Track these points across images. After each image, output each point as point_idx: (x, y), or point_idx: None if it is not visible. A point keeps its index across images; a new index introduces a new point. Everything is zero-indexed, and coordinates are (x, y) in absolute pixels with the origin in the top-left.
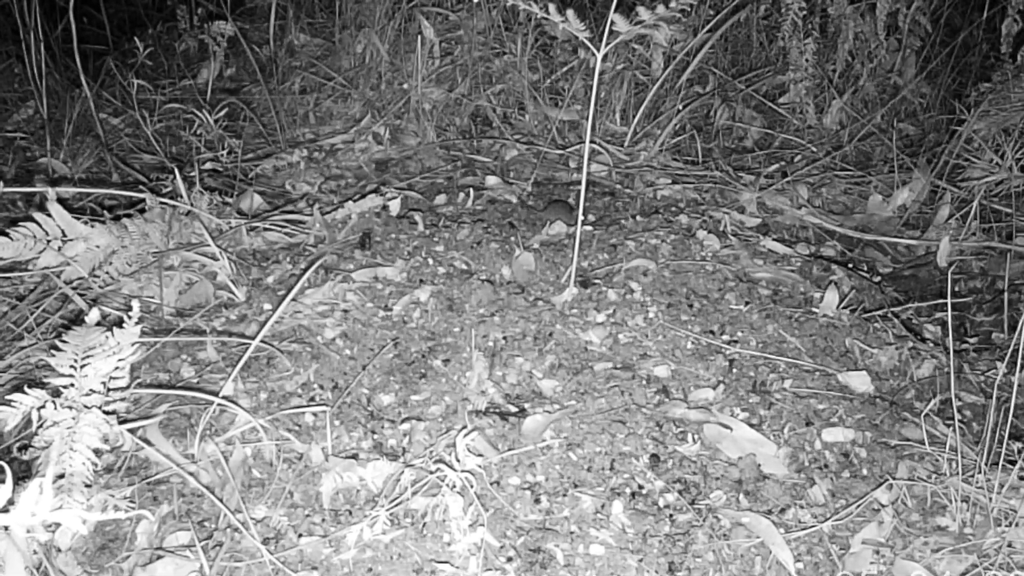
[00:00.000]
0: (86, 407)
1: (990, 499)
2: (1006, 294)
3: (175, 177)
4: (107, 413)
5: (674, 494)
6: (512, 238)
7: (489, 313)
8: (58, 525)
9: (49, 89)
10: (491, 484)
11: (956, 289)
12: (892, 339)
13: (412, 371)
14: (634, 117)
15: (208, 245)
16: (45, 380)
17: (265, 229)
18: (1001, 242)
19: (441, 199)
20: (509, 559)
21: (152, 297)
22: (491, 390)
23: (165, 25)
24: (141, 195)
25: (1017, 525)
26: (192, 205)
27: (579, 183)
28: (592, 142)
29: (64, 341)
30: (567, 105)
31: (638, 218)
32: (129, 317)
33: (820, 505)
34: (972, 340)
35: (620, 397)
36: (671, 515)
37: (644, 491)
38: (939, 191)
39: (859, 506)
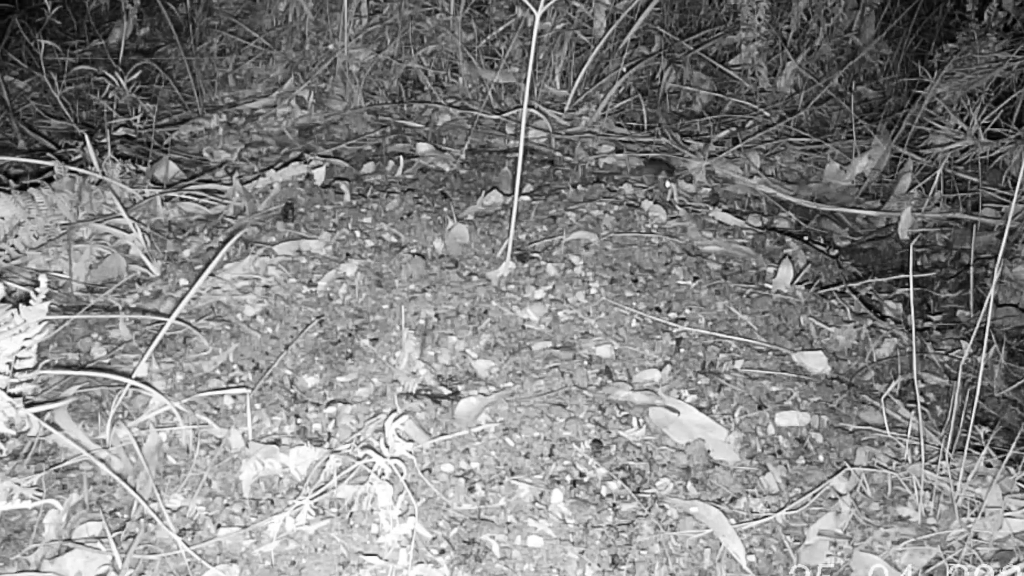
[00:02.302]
0: None
1: (954, 487)
2: (971, 269)
3: (85, 144)
4: (12, 396)
5: (618, 482)
6: (445, 209)
7: (420, 289)
8: None
9: None
10: (422, 471)
11: (918, 263)
12: (850, 317)
13: (338, 351)
14: (575, 80)
15: (120, 216)
16: None
17: (181, 199)
18: (966, 213)
19: (369, 167)
20: (442, 551)
21: (61, 272)
22: (422, 371)
23: None
24: (49, 163)
25: (983, 515)
26: (103, 174)
27: (516, 150)
28: (530, 107)
29: None
30: (503, 67)
31: (579, 188)
32: (36, 293)
33: (773, 494)
34: (935, 318)
35: (560, 379)
36: (614, 504)
37: (586, 479)
38: (900, 159)
39: (815, 495)
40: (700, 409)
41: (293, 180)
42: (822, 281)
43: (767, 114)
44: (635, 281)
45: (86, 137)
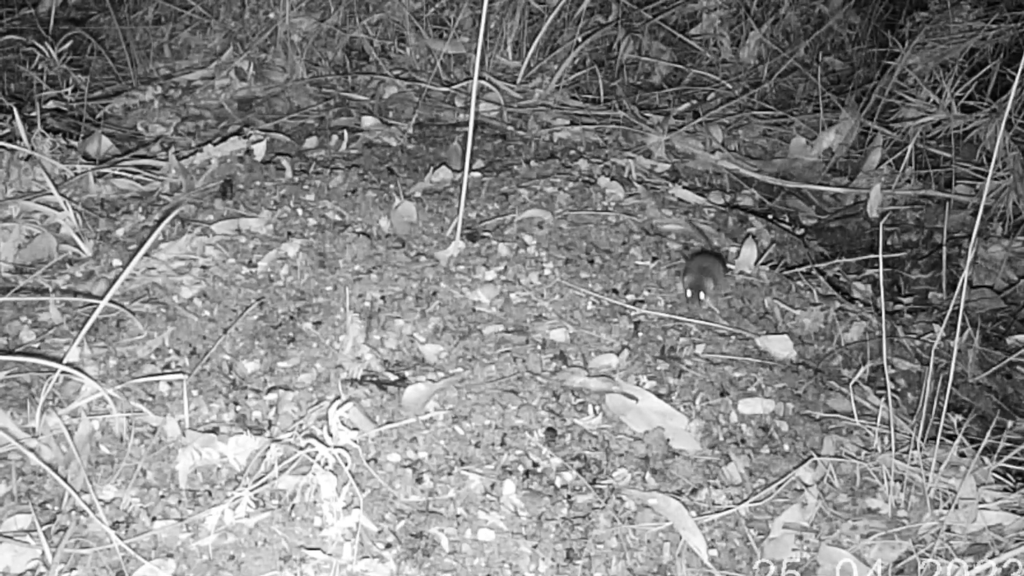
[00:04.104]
0: None
1: (926, 478)
2: (944, 248)
3: (13, 118)
4: None
5: (573, 473)
6: (391, 186)
7: (365, 270)
8: None
9: None
10: (368, 461)
11: (888, 243)
12: (817, 299)
13: (279, 335)
14: (528, 50)
15: (51, 194)
16: None
17: (115, 176)
18: (939, 190)
19: (311, 142)
20: (388, 545)
21: None
22: (368, 356)
23: None
24: None
25: (956, 507)
26: (33, 149)
27: (466, 124)
28: (481, 78)
29: None
30: (453, 37)
31: (532, 163)
32: None
33: (736, 485)
34: (906, 300)
35: (512, 364)
36: (569, 496)
37: (539, 469)
38: (869, 133)
39: (780, 486)
40: (659, 396)
41: (232, 155)
42: (787, 262)
43: (729, 86)
44: (591, 262)
45: (14, 110)
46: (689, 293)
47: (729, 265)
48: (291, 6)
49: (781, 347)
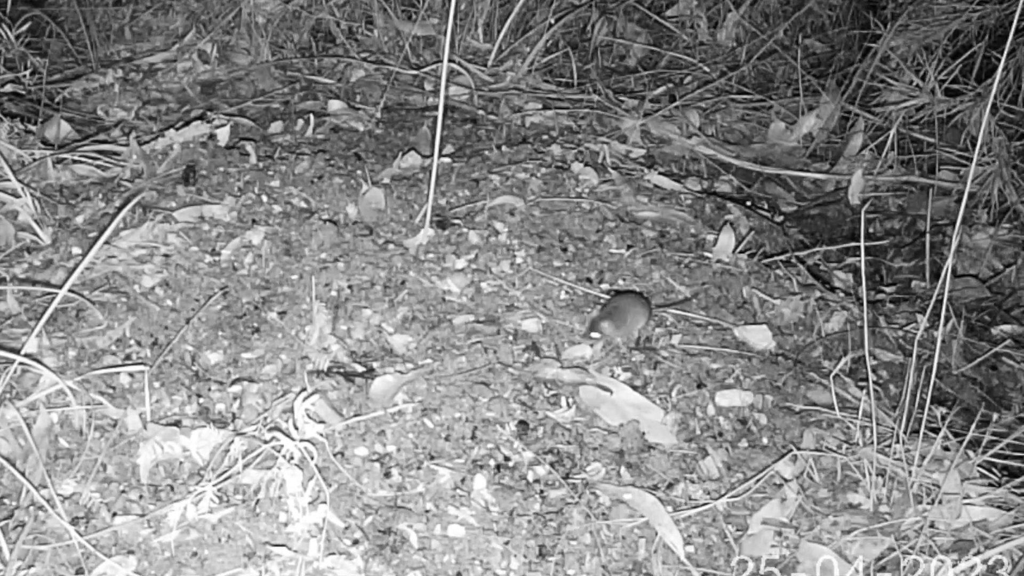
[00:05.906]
0: None
1: (909, 472)
2: (927, 236)
3: None
4: None
5: (545, 467)
6: (359, 171)
7: (332, 258)
8: None
9: None
10: (334, 455)
11: (870, 230)
12: (797, 288)
13: (243, 325)
14: (499, 32)
15: (8, 180)
16: None
17: (74, 161)
18: (922, 176)
19: (277, 127)
20: (355, 542)
21: None
22: (334, 347)
23: None
24: None
25: (940, 502)
26: None
27: (435, 108)
28: (451, 61)
29: None
30: (422, 18)
31: (504, 149)
32: None
33: (714, 479)
34: (889, 289)
35: (483, 355)
36: (542, 491)
37: (511, 463)
38: (851, 117)
39: (759, 481)
40: (634, 388)
41: (195, 140)
42: (766, 250)
43: (707, 69)
44: (564, 250)
45: None
46: (587, 327)
47: (707, 254)
48: None
49: (760, 338)
